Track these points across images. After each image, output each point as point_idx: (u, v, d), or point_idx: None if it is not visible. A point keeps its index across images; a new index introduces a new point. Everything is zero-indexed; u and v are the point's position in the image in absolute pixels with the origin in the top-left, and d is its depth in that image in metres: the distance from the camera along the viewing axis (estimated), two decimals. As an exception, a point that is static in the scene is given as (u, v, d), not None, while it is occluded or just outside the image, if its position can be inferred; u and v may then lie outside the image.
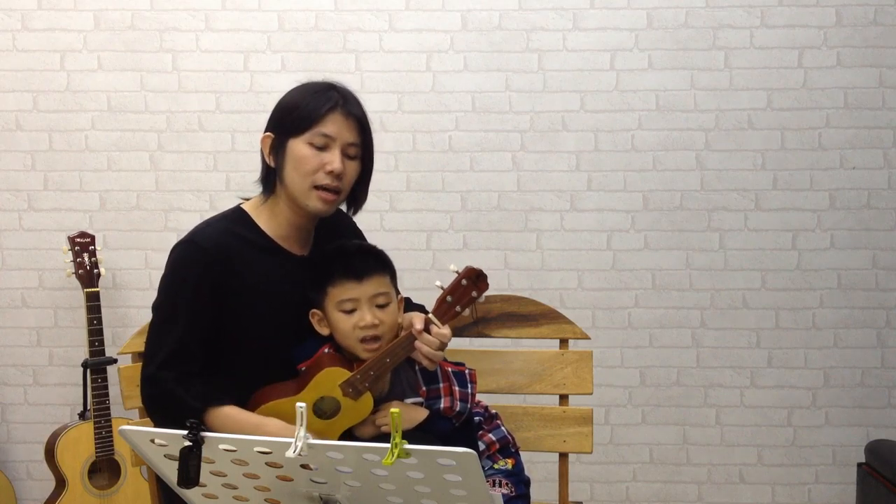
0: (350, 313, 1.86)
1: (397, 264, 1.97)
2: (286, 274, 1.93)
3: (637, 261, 3.29)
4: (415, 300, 2.09)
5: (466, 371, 1.96)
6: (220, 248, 1.87)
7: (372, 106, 3.22)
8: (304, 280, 1.92)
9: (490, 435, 2.04)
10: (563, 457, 2.20)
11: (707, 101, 3.25)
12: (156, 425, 1.88)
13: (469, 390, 1.93)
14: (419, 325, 1.82)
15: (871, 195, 3.26)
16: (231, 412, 1.82)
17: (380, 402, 1.88)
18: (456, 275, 1.83)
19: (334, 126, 1.87)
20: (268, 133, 1.92)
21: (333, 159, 1.86)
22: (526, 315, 2.24)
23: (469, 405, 1.92)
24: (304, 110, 1.87)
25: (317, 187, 1.87)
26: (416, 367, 1.91)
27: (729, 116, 3.25)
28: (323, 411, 1.84)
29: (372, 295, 1.86)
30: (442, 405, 1.89)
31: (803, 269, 3.27)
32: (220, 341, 1.88)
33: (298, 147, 1.87)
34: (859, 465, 3.01)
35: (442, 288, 1.84)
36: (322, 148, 1.86)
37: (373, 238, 2.11)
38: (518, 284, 3.28)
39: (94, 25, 3.26)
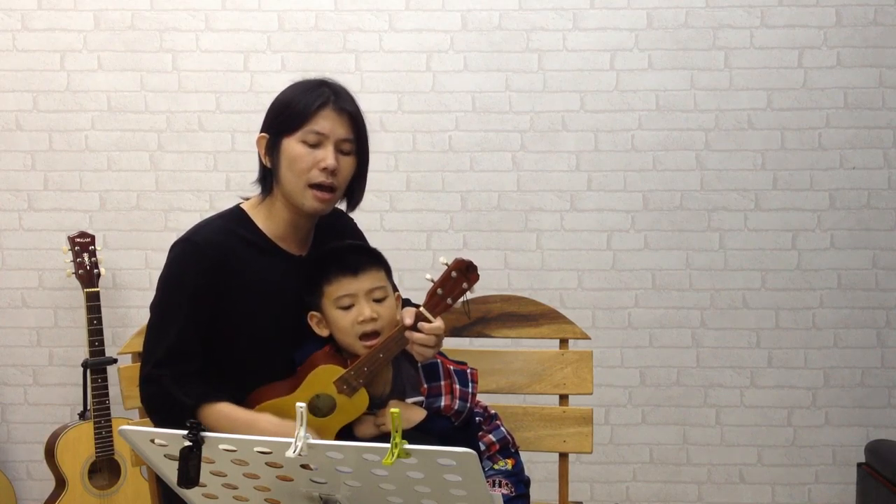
0: (348, 309, 1.86)
1: (397, 264, 1.97)
2: (284, 274, 1.92)
3: (637, 261, 3.29)
4: (415, 301, 2.08)
5: (468, 370, 1.96)
6: (217, 247, 1.87)
7: (372, 106, 3.26)
8: (300, 282, 1.92)
9: (490, 436, 2.04)
10: (563, 457, 2.20)
11: (707, 101, 3.25)
12: (155, 424, 1.88)
13: (470, 389, 1.93)
14: (409, 319, 1.82)
15: (871, 195, 3.26)
16: (224, 409, 1.82)
17: (383, 401, 1.88)
18: (445, 267, 1.83)
19: (326, 122, 1.86)
20: (262, 133, 1.93)
21: (327, 156, 1.86)
22: (526, 315, 2.24)
23: (469, 404, 1.92)
24: (295, 108, 1.87)
25: (312, 186, 1.87)
26: (419, 365, 1.91)
27: (729, 116, 3.25)
28: (319, 409, 1.84)
29: (369, 289, 1.86)
30: (442, 403, 1.89)
31: (803, 269, 3.27)
32: (218, 341, 1.88)
33: (292, 146, 1.87)
34: (859, 465, 3.01)
35: (432, 281, 1.84)
36: (315, 145, 1.86)
37: (373, 238, 2.11)
38: (518, 284, 3.28)
39: (94, 25, 3.26)
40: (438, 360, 1.92)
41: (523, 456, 2.10)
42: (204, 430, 1.33)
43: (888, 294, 3.27)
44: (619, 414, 3.32)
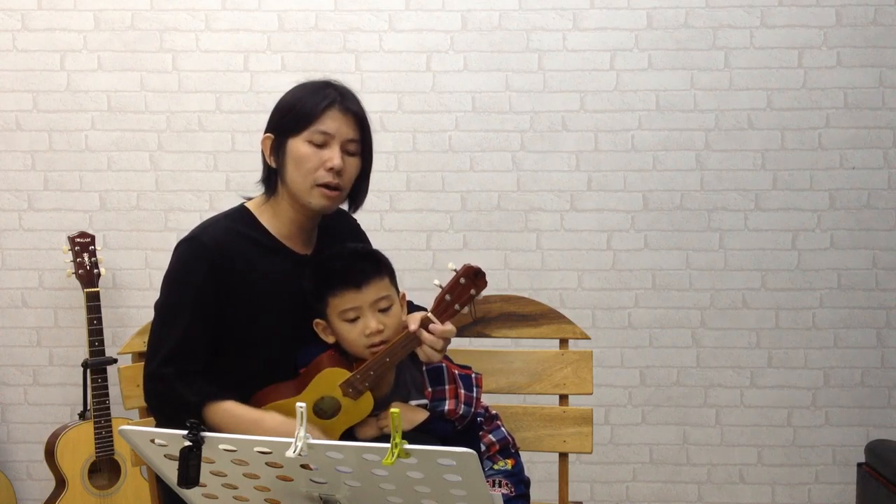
0: (354, 322, 1.85)
1: (397, 264, 1.97)
2: (289, 273, 1.93)
3: (637, 261, 3.29)
4: (415, 300, 2.08)
5: (473, 375, 1.96)
6: (223, 246, 1.87)
7: (372, 106, 3.22)
8: (304, 284, 1.92)
9: (490, 436, 2.04)
10: (563, 457, 2.20)
11: (707, 101, 3.25)
12: (158, 422, 1.89)
13: (474, 394, 1.93)
14: (413, 325, 1.82)
15: (871, 195, 3.26)
16: (230, 407, 1.83)
17: (385, 403, 1.88)
18: (454, 273, 1.83)
19: (333, 123, 1.87)
20: (268, 134, 1.93)
21: (333, 156, 1.86)
22: (526, 315, 2.24)
23: (473, 409, 1.92)
24: (302, 109, 1.88)
25: (318, 185, 1.87)
26: (424, 368, 1.91)
27: (729, 116, 3.25)
28: (323, 411, 1.84)
29: (373, 301, 1.85)
30: (447, 407, 1.89)
31: (803, 269, 3.27)
32: (223, 340, 1.89)
33: (298, 146, 1.87)
34: (859, 465, 3.01)
35: (440, 286, 1.84)
36: (321, 145, 1.87)
37: (373, 238, 2.11)
38: (518, 284, 3.28)
39: (94, 25, 3.26)
40: (444, 364, 1.92)
41: (523, 456, 2.10)
42: (204, 430, 1.33)
43: (888, 294, 3.27)
44: (619, 414, 3.32)
